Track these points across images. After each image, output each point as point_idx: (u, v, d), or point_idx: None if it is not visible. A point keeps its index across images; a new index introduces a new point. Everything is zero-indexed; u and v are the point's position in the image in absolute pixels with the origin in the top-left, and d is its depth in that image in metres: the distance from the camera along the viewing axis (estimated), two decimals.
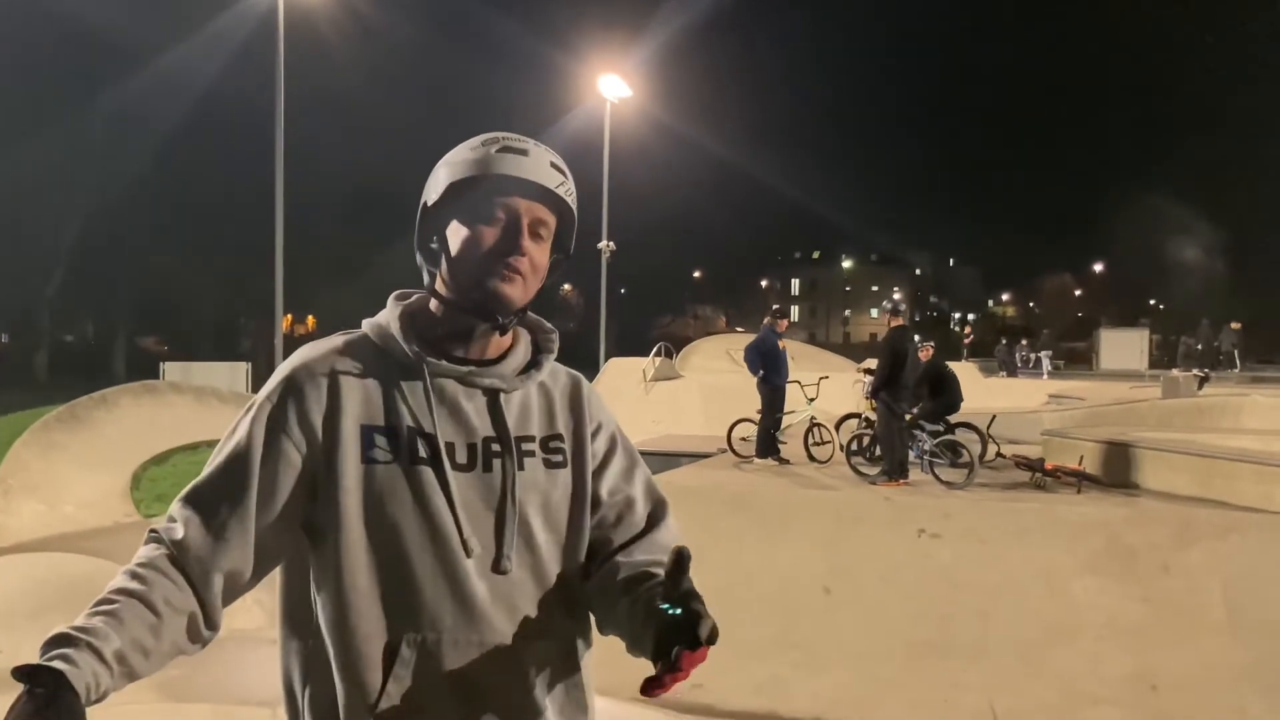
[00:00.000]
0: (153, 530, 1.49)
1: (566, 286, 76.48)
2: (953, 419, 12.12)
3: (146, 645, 1.37)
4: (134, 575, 1.41)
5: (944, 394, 12.15)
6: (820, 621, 7.68)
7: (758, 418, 12.59)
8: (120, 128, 44.41)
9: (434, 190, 1.61)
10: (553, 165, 1.59)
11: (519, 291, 1.57)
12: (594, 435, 1.68)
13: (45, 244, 47.08)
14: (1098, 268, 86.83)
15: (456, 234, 1.58)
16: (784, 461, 12.26)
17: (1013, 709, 6.65)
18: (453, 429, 1.55)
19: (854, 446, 11.78)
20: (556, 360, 1.71)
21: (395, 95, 66.75)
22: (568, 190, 1.61)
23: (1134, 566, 7.81)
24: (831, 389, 14.03)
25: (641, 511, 1.69)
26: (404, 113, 59.67)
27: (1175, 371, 20.98)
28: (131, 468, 17.57)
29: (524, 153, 1.57)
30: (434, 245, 1.62)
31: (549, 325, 1.72)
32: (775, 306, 13.43)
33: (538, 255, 1.59)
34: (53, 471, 16.45)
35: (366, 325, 1.63)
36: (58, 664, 1.25)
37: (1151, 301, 76.54)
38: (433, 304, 1.63)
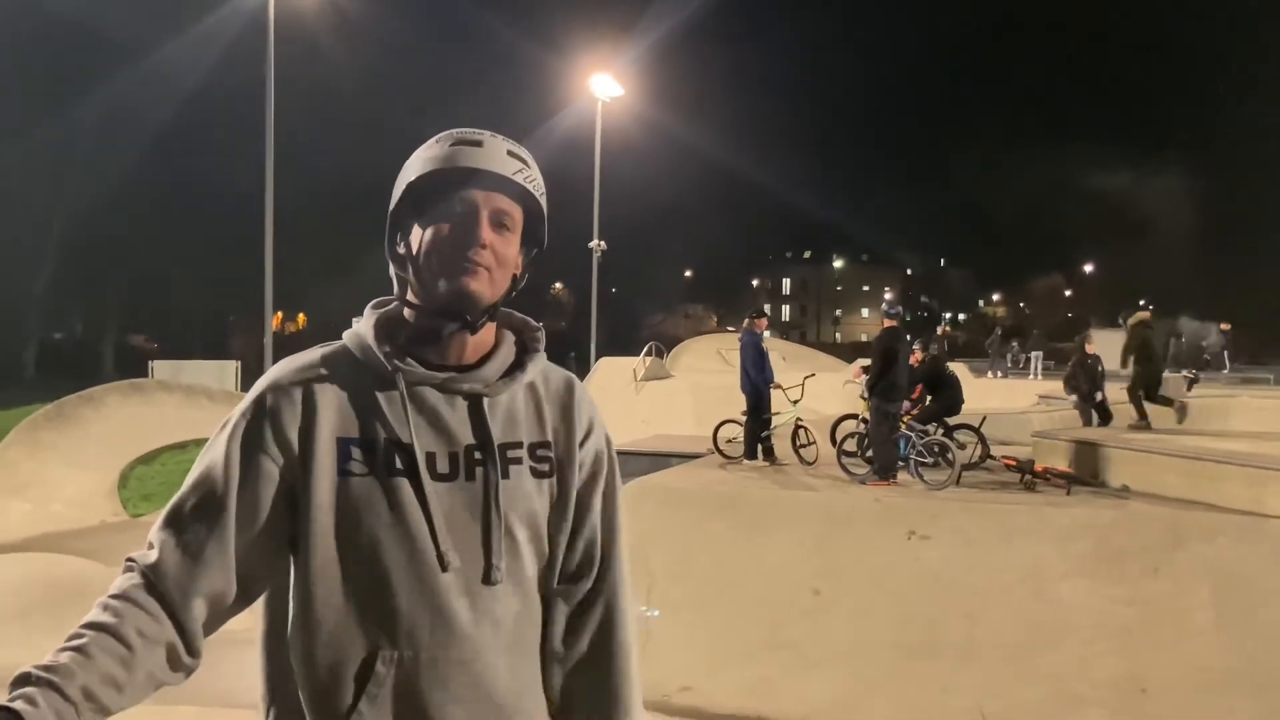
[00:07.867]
0: (129, 558, 1.44)
1: (558, 285, 76.50)
2: (953, 420, 12.16)
3: (118, 679, 1.32)
4: (105, 607, 1.37)
5: (942, 395, 12.20)
6: (809, 623, 7.68)
7: (743, 419, 12.61)
8: (109, 125, 44.10)
9: (395, 194, 1.58)
10: (510, 154, 1.55)
11: (485, 286, 1.52)
12: (582, 446, 1.62)
13: (33, 241, 46.85)
14: (1088, 268, 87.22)
15: (418, 235, 1.55)
16: (776, 461, 12.27)
17: (1001, 711, 6.66)
18: (433, 438, 1.50)
19: (848, 447, 11.78)
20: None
21: (386, 93, 66.51)
22: (527, 178, 1.56)
23: (1123, 568, 7.82)
24: (821, 388, 13.97)
25: (595, 563, 1.64)
26: (394, 111, 59.43)
27: (1165, 372, 21.02)
28: (119, 467, 17.51)
29: (478, 144, 1.54)
30: (401, 250, 1.59)
31: (534, 322, 1.67)
32: (753, 309, 13.61)
33: (502, 247, 1.54)
34: (40, 471, 16.37)
35: (346, 336, 1.58)
36: (18, 704, 1.22)
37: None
38: (405, 310, 1.59)
